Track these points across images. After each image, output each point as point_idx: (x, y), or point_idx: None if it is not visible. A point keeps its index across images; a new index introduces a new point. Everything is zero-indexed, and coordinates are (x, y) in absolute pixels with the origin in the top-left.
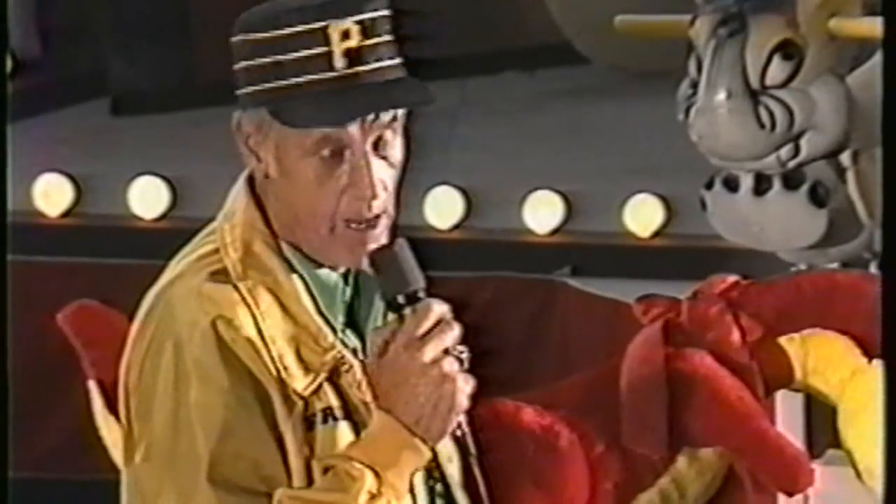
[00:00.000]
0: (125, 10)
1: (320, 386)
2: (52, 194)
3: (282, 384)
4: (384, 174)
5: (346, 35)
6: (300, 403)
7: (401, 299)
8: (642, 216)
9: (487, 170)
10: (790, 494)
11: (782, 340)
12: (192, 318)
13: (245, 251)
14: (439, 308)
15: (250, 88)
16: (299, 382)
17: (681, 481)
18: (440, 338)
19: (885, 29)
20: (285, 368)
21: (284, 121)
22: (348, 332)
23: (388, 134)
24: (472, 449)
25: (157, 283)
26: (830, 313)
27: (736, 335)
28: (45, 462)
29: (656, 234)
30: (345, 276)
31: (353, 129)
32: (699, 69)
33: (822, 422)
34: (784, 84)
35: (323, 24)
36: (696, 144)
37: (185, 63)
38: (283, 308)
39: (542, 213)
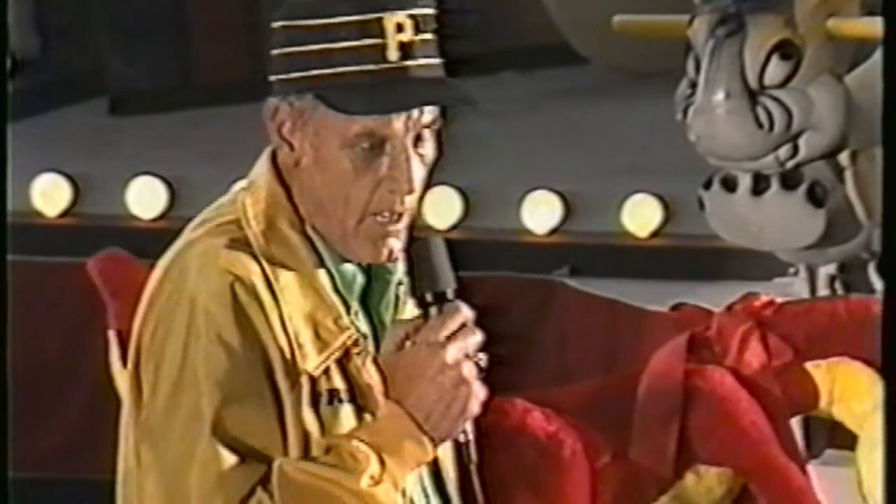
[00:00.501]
0: (124, 10)
1: (329, 366)
2: (50, 194)
3: (290, 359)
4: (420, 172)
5: (399, 28)
6: (306, 381)
7: (429, 297)
8: (640, 216)
9: (485, 170)
10: None
11: (809, 366)
12: (210, 279)
13: (268, 225)
14: (466, 312)
15: (295, 74)
16: (311, 361)
17: (686, 499)
18: (464, 341)
19: (885, 29)
20: (300, 346)
21: (335, 107)
22: (360, 316)
23: (427, 133)
24: (474, 457)
25: (172, 248)
26: (862, 342)
27: (761, 356)
28: (46, 462)
29: (654, 233)
30: (360, 265)
31: (398, 123)
32: (697, 69)
33: (820, 422)
34: (782, 84)
35: (377, 15)
36: (695, 144)
37: (183, 63)
38: (304, 285)
39: (541, 213)
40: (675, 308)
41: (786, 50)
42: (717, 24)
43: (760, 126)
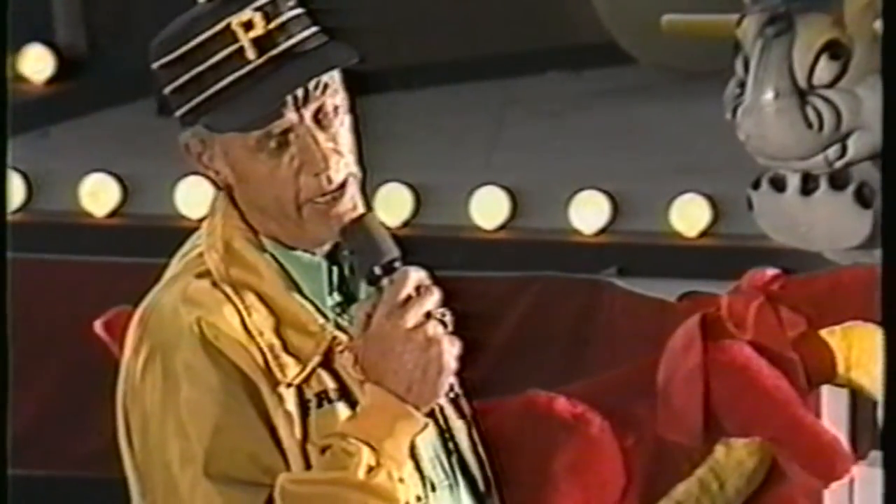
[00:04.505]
0: (172, 10)
1: (313, 371)
2: (98, 194)
3: (270, 375)
4: (333, 142)
5: (249, 25)
6: (292, 392)
7: (377, 271)
8: (689, 216)
9: (533, 170)
10: (827, 483)
11: (823, 333)
12: (179, 324)
13: (226, 249)
14: (416, 274)
15: (183, 109)
16: (291, 371)
17: (719, 472)
18: (420, 303)
19: (885, 29)
20: (276, 358)
21: (216, 130)
22: (346, 312)
23: (327, 102)
24: (467, 410)
25: (152, 290)
26: (871, 306)
27: (776, 329)
28: (90, 461)
29: (703, 233)
30: (331, 257)
31: (289, 113)
32: (746, 69)
33: (867, 423)
34: (831, 84)
35: (225, 22)
36: (743, 144)
37: None
38: (268, 300)
39: (589, 213)
40: (681, 299)
41: (835, 50)
42: (766, 23)
43: (810, 126)
